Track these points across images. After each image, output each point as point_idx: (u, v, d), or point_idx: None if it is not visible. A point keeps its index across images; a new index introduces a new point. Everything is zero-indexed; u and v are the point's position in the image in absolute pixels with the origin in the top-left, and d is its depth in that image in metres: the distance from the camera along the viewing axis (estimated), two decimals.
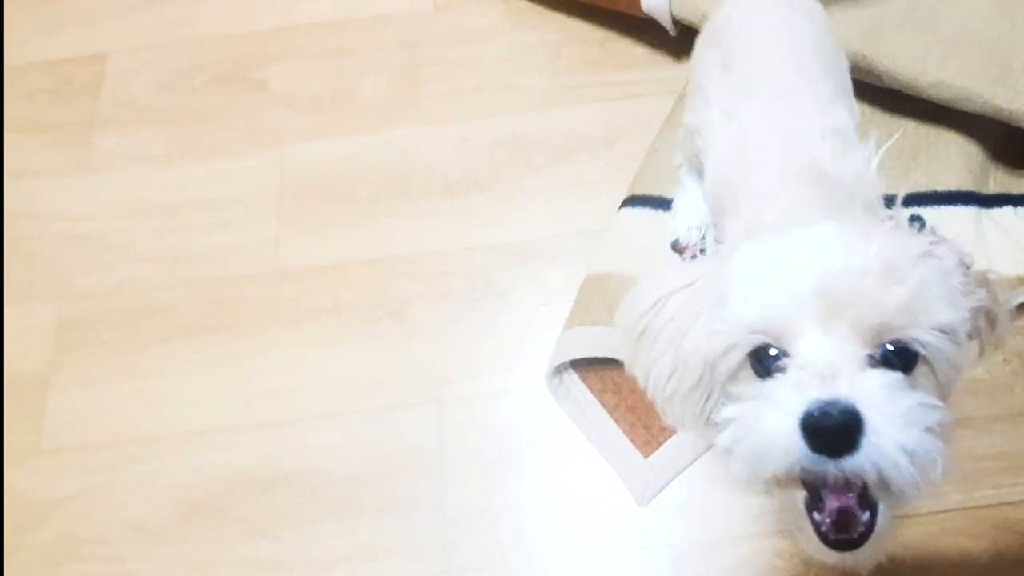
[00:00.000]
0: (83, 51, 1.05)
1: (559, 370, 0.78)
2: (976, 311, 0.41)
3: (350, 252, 0.88)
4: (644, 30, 0.95)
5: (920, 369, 0.38)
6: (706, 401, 0.43)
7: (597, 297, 0.79)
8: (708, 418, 0.44)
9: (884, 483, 0.35)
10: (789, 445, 0.35)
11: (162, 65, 1.04)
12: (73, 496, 0.79)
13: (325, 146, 0.96)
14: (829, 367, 0.35)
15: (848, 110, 0.59)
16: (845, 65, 0.66)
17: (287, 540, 0.76)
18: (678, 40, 0.93)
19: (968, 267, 0.42)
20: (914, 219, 0.84)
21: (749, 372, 0.40)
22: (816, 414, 0.34)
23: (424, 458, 0.77)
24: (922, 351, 0.37)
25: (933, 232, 0.42)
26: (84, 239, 0.92)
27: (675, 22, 0.89)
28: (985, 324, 0.43)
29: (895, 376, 0.36)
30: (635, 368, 0.46)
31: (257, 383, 0.82)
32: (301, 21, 1.05)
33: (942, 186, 0.84)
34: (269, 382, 0.82)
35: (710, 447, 0.75)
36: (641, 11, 0.90)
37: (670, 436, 0.75)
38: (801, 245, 0.39)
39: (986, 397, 0.77)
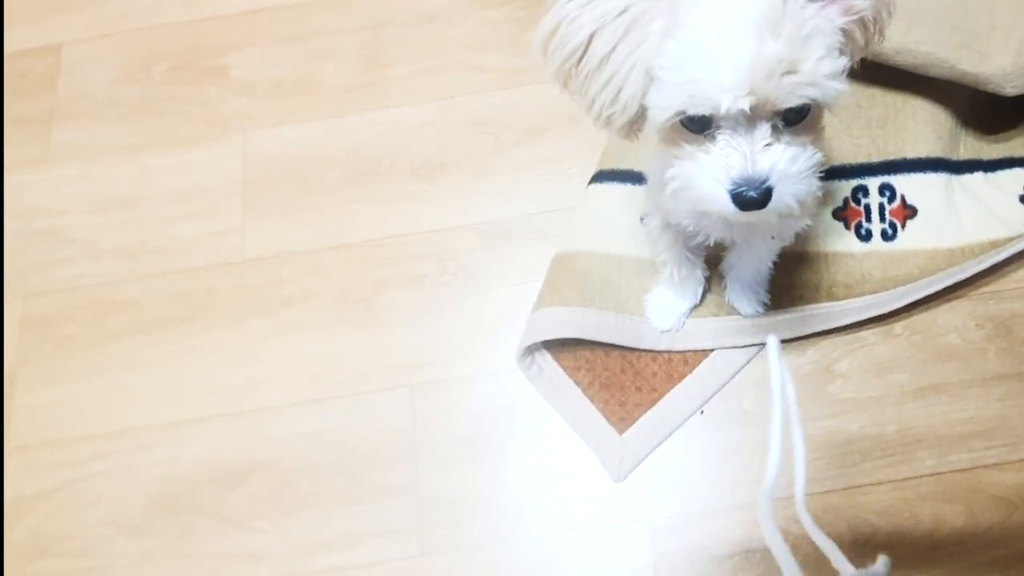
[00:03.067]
0: (37, 43, 1.02)
1: (531, 350, 0.77)
2: (857, 22, 0.48)
3: (317, 239, 0.86)
4: None
5: (812, 112, 0.48)
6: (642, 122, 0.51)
7: (567, 276, 0.78)
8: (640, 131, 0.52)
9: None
10: (721, 205, 0.48)
11: (119, 55, 1.01)
12: (44, 493, 0.78)
13: (289, 132, 0.94)
14: (747, 144, 0.46)
15: None
16: None
17: (263, 531, 0.75)
18: None
19: None
20: (884, 188, 0.83)
21: (681, 128, 0.48)
22: (742, 192, 0.47)
23: (398, 444, 0.76)
24: (814, 103, 0.46)
25: None
26: (45, 235, 0.90)
27: None
28: (862, 31, 0.49)
29: (793, 149, 0.47)
30: (571, 94, 0.50)
31: (226, 374, 0.81)
32: (261, 5, 1.02)
33: (911, 153, 0.83)
34: (239, 373, 0.81)
35: (684, 422, 0.75)
36: None
37: (645, 412, 0.75)
38: (719, 36, 0.44)
39: (959, 363, 0.77)
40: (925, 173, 0.82)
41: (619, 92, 0.48)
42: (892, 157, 0.83)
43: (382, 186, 0.90)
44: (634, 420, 0.74)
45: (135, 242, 0.88)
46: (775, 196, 0.47)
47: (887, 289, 0.77)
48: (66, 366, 0.83)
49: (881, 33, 0.50)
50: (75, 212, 0.91)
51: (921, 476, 0.72)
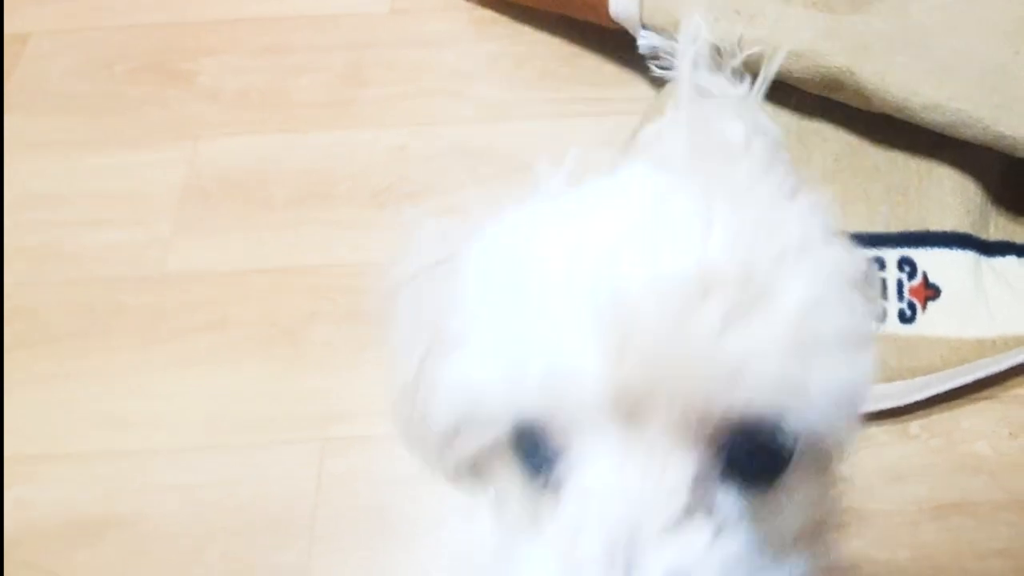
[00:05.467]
0: (6, 32, 0.97)
1: None
2: None
3: (249, 260, 0.76)
4: (616, 48, 0.86)
5: (790, 469, 0.22)
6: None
7: None
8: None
9: None
10: None
11: (86, 50, 0.94)
12: None
13: (245, 143, 0.85)
14: (626, 515, 0.18)
15: None
16: None
17: None
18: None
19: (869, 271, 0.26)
20: (904, 263, 0.73)
21: (508, 459, 0.23)
22: None
23: (293, 513, 0.62)
24: (798, 445, 0.21)
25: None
26: None
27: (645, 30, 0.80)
28: None
29: (741, 538, 0.19)
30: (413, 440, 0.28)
31: (110, 405, 0.68)
32: (245, 15, 0.97)
33: (936, 226, 0.73)
34: (124, 405, 0.68)
35: None
36: (610, 20, 0.82)
37: None
38: (588, 229, 0.20)
39: (989, 478, 0.64)
40: (951, 249, 0.72)
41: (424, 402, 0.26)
42: (913, 228, 0.73)
43: (335, 210, 0.80)
44: None
45: (47, 243, 0.78)
46: None
47: (903, 379, 0.66)
48: None
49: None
50: None
51: None
